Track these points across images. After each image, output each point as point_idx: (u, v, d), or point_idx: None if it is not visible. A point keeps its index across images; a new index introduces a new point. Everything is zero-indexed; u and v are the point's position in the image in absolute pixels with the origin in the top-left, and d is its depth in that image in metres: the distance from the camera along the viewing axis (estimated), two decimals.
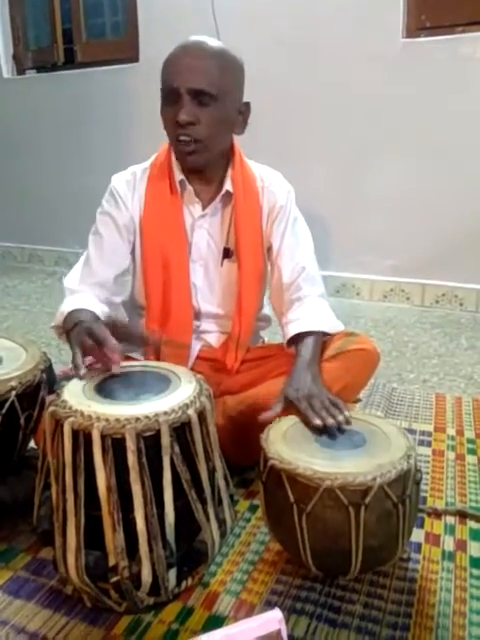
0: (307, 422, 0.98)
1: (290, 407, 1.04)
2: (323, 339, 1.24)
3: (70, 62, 3.36)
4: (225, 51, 1.12)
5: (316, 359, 1.17)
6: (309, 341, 1.19)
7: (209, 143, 1.13)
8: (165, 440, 0.76)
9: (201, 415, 0.82)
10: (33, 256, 3.75)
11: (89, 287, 1.21)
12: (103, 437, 0.75)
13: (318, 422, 0.96)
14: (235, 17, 2.65)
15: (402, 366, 1.97)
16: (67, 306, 1.13)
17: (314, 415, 0.98)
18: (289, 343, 1.25)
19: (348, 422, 0.97)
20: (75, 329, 1.01)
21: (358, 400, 1.62)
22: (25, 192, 3.63)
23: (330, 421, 0.96)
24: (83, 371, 0.89)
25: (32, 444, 1.15)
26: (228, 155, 1.24)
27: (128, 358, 1.19)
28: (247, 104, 1.19)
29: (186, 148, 1.12)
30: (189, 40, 1.12)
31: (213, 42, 1.12)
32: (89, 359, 0.98)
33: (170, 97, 1.10)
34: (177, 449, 0.78)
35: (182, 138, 1.11)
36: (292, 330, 1.23)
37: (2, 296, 2.97)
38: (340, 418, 0.97)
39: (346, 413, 0.99)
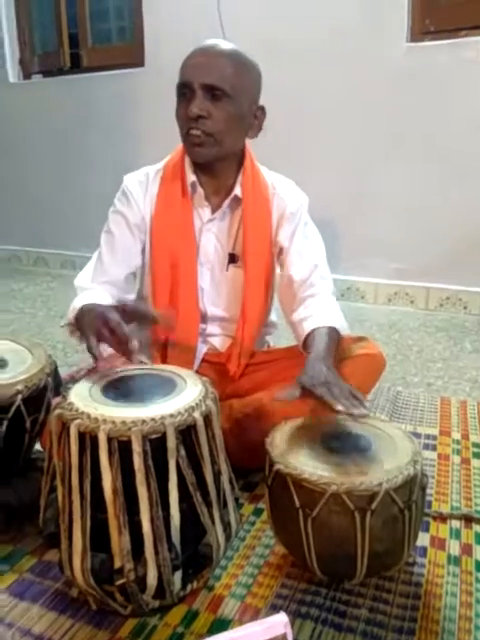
0: (320, 411, 0.92)
1: (305, 395, 0.97)
2: (338, 336, 1.19)
3: (76, 67, 3.38)
4: (240, 53, 1.15)
5: (331, 352, 1.11)
6: (323, 334, 1.14)
7: (219, 138, 1.14)
8: (171, 443, 0.77)
9: (207, 418, 0.82)
10: (39, 259, 3.77)
11: (101, 285, 1.21)
12: (109, 439, 0.75)
13: (341, 407, 0.88)
14: (241, 22, 2.66)
15: (407, 370, 1.97)
16: (79, 302, 1.12)
17: (334, 400, 0.90)
18: (305, 341, 1.19)
19: (367, 415, 0.90)
20: (86, 318, 1.01)
21: None
22: (31, 195, 3.66)
23: (355, 411, 0.88)
24: (101, 364, 0.88)
25: (38, 447, 1.16)
26: (240, 159, 1.25)
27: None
28: (262, 108, 1.20)
29: (195, 140, 1.13)
30: (206, 41, 1.15)
31: (229, 44, 1.15)
32: (106, 348, 0.96)
33: (184, 93, 1.13)
34: (183, 452, 0.79)
35: (192, 131, 1.12)
36: (307, 326, 1.18)
37: (8, 299, 2.98)
38: (364, 410, 0.89)
39: (367, 405, 0.92)
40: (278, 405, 1.13)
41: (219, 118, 1.12)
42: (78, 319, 1.07)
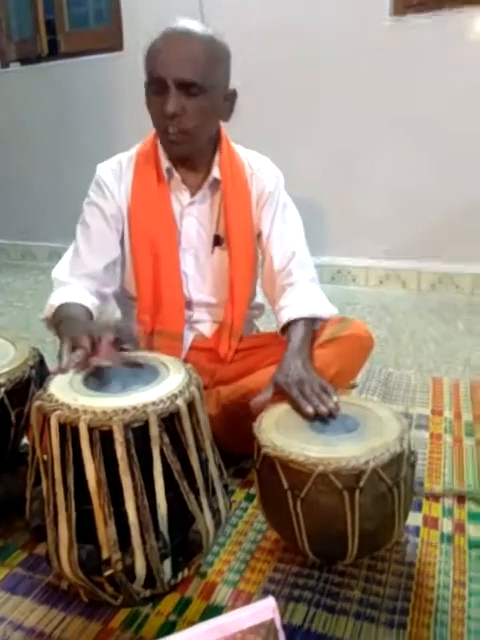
0: (298, 409, 0.97)
1: (281, 394, 1.02)
2: (316, 324, 1.23)
3: (54, 53, 3.31)
4: (212, 38, 1.09)
5: (306, 345, 1.15)
6: (299, 327, 1.18)
7: (196, 133, 1.11)
8: (154, 431, 0.75)
9: (191, 405, 0.81)
10: (26, 253, 3.72)
11: (78, 279, 1.19)
12: (90, 430, 0.74)
13: (310, 410, 0.94)
14: (221, 1, 2.61)
15: (398, 352, 1.96)
16: (57, 299, 1.12)
17: (305, 402, 0.96)
18: (283, 331, 1.24)
19: (337, 408, 0.95)
20: (66, 324, 0.99)
21: (354, 386, 1.61)
22: (15, 188, 3.60)
23: (322, 408, 0.94)
24: (65, 361, 0.86)
25: (26, 440, 1.14)
26: (215, 141, 1.22)
27: (121, 349, 1.17)
28: (234, 91, 1.16)
29: (173, 138, 1.10)
30: (175, 27, 1.08)
31: (199, 28, 1.08)
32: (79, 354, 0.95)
33: (156, 87, 1.08)
34: (167, 439, 0.77)
35: (170, 130, 1.09)
36: (284, 316, 1.22)
37: None
38: (331, 405, 0.95)
39: (335, 399, 0.97)
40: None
41: (194, 114, 1.08)
42: (56, 319, 1.05)
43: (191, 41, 1.06)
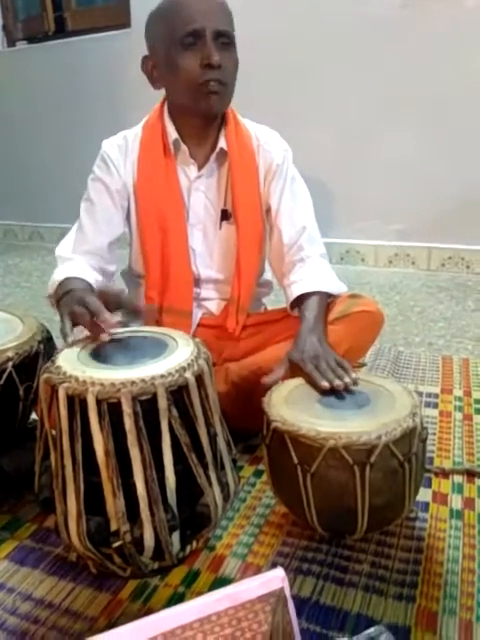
0: (313, 384, 0.95)
1: (295, 370, 1.01)
2: (328, 300, 1.21)
3: (61, 31, 3.27)
4: None
5: (321, 320, 1.13)
6: (313, 302, 1.15)
7: (231, 87, 1.12)
8: (162, 403, 0.75)
9: (199, 378, 0.80)
10: (34, 234, 3.72)
11: (82, 255, 1.18)
12: (99, 402, 0.74)
13: (325, 384, 0.92)
14: None
15: (408, 330, 1.95)
16: (59, 274, 1.11)
17: (320, 377, 0.95)
18: (293, 305, 1.22)
19: (355, 383, 0.94)
20: (65, 298, 0.99)
21: (363, 364, 1.60)
22: (24, 168, 3.59)
23: (337, 382, 0.92)
24: (71, 339, 0.86)
25: (35, 416, 1.14)
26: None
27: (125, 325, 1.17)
28: None
29: (215, 89, 1.08)
30: None
31: None
32: (81, 330, 0.95)
33: (190, 41, 1.06)
34: (175, 412, 0.77)
35: (211, 83, 1.06)
36: (296, 291, 1.19)
37: (4, 274, 2.96)
38: (347, 380, 0.93)
39: (353, 374, 0.96)
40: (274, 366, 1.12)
41: (230, 66, 1.09)
42: (57, 294, 1.05)
43: None
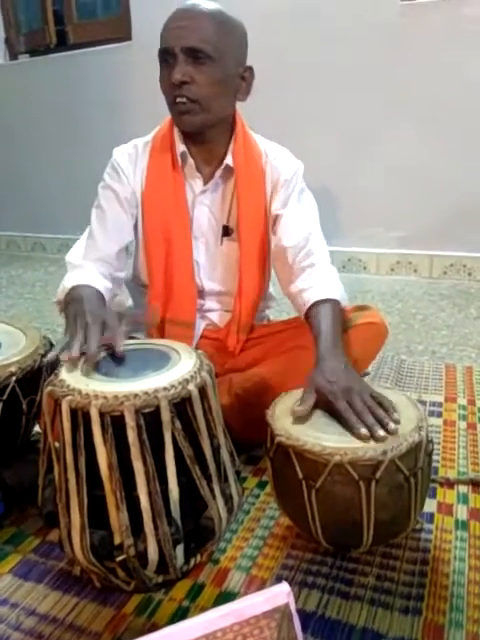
0: (347, 426, 0.85)
1: (323, 400, 0.90)
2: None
3: (62, 44, 3.30)
4: (222, 12, 1.09)
5: (339, 335, 1.03)
6: (328, 312, 1.06)
7: (206, 104, 1.08)
8: (165, 416, 0.75)
9: (202, 390, 0.80)
10: (36, 245, 3.74)
11: (92, 262, 1.18)
12: (102, 415, 0.73)
13: (364, 431, 0.81)
14: None
15: (411, 338, 1.94)
16: (69, 281, 1.10)
17: (357, 422, 0.83)
18: (306, 312, 1.13)
19: (397, 422, 0.84)
20: (74, 306, 0.99)
21: (366, 373, 1.59)
22: (25, 180, 3.61)
23: (380, 433, 0.81)
24: (75, 349, 0.85)
25: (38, 429, 1.14)
26: (231, 127, 1.20)
27: (130, 337, 1.17)
28: (250, 68, 1.14)
29: (182, 108, 1.08)
30: (185, 3, 1.09)
31: (209, 4, 1.09)
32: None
33: (166, 59, 1.07)
34: (178, 425, 0.76)
35: (178, 99, 1.07)
36: (309, 298, 1.10)
37: (7, 285, 2.97)
38: (391, 426, 0.82)
39: (396, 415, 0.85)
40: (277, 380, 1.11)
41: (203, 82, 1.06)
42: (67, 300, 1.05)
43: (197, 12, 1.06)
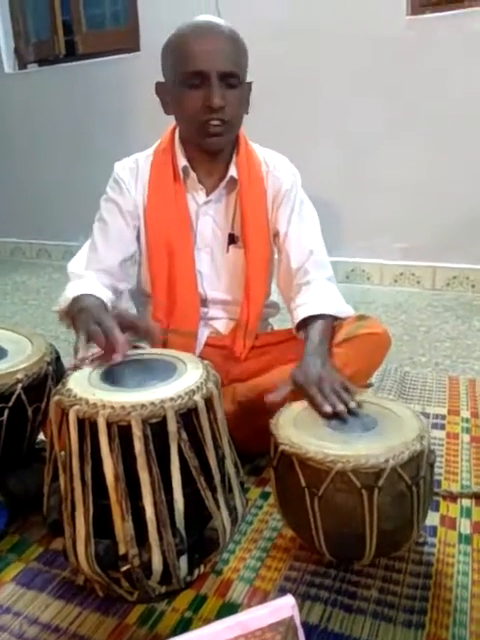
0: (316, 408, 0.95)
1: (299, 392, 1.01)
2: (333, 323, 1.21)
3: (71, 54, 3.34)
4: (235, 31, 1.12)
5: (325, 342, 1.13)
6: (318, 325, 1.16)
7: (234, 124, 1.14)
8: (172, 426, 0.75)
9: (208, 401, 0.81)
10: (41, 251, 3.76)
11: (95, 273, 1.20)
12: (109, 425, 0.74)
13: (328, 409, 0.92)
14: (237, 0, 2.61)
15: (414, 350, 1.95)
16: (72, 291, 1.12)
17: (323, 401, 0.94)
18: (298, 328, 1.23)
19: (360, 406, 0.94)
20: (81, 316, 1.00)
21: (370, 385, 1.59)
22: (31, 187, 3.64)
23: (340, 407, 0.92)
24: (81, 354, 0.87)
25: (42, 436, 1.15)
26: (234, 139, 1.22)
27: (134, 347, 1.18)
28: (250, 83, 1.18)
29: (217, 130, 1.10)
30: (200, 21, 1.11)
31: (223, 22, 1.12)
32: (96, 349, 0.96)
33: (194, 81, 1.07)
34: (185, 435, 0.77)
35: (213, 122, 1.09)
36: (300, 314, 1.20)
37: (12, 291, 2.98)
38: (352, 404, 0.93)
39: (358, 398, 0.96)
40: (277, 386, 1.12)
41: (234, 104, 1.10)
42: (69, 309, 1.06)
43: (223, 33, 1.08)
